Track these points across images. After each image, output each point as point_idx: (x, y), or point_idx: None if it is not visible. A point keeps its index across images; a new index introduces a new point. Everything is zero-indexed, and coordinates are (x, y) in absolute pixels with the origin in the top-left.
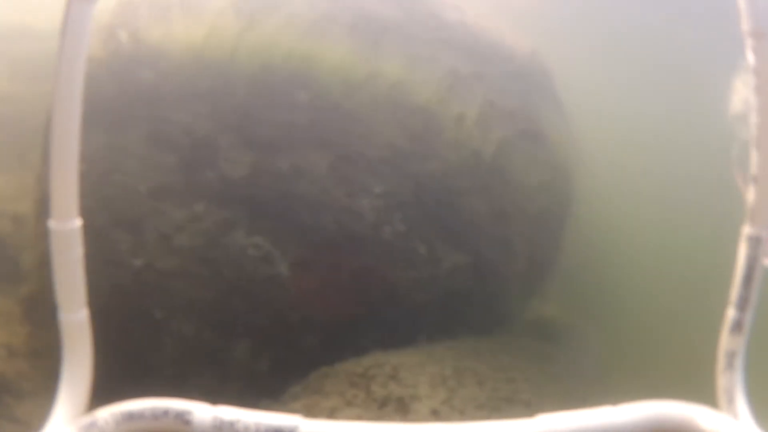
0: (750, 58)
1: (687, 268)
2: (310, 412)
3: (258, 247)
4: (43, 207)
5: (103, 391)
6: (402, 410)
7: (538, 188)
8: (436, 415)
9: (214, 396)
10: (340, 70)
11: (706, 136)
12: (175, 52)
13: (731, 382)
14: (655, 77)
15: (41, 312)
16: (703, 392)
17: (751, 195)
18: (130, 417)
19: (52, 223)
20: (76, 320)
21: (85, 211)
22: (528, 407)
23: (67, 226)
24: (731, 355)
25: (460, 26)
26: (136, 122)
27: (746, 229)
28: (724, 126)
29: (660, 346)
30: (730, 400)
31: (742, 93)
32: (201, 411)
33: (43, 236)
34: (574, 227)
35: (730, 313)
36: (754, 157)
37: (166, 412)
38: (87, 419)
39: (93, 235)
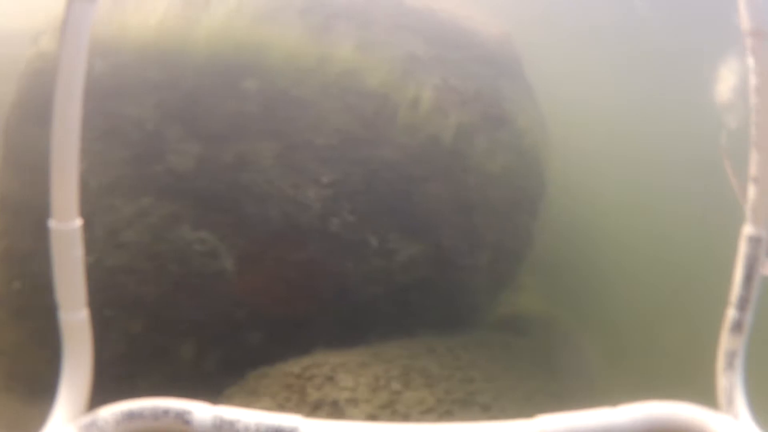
0: (750, 58)
1: (674, 258)
2: None
3: (204, 241)
4: (3, 203)
5: (53, 389)
6: (336, 414)
7: (503, 174)
8: (373, 420)
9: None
10: (291, 56)
11: (689, 122)
12: (127, 45)
13: (731, 382)
14: (637, 64)
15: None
16: (689, 386)
17: (751, 195)
18: (130, 416)
19: (53, 224)
20: (76, 320)
21: (39, 209)
22: (486, 411)
23: (68, 227)
24: (731, 355)
25: (423, 11)
26: (89, 117)
27: (746, 229)
28: (710, 113)
29: (648, 340)
30: (730, 400)
31: (729, 81)
32: (201, 411)
33: (5, 232)
34: (553, 216)
35: (730, 313)
36: (754, 158)
37: (166, 412)
38: (87, 419)
39: (45, 232)
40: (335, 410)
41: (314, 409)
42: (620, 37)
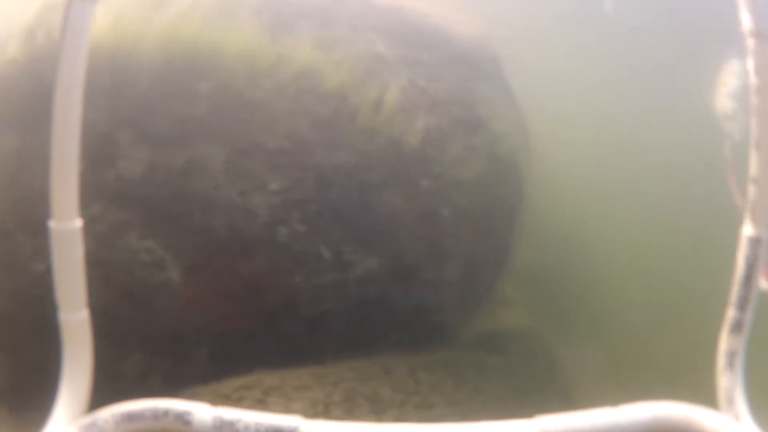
0: (750, 58)
1: (666, 271)
2: None
3: (150, 251)
4: None
5: (3, 398)
6: None
7: (476, 182)
8: None
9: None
10: (246, 56)
11: (680, 126)
12: None
13: (731, 382)
14: (630, 71)
15: None
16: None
17: (750, 195)
18: (131, 417)
19: (53, 224)
20: (76, 320)
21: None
22: None
23: (68, 227)
24: (731, 355)
25: (393, 10)
26: (47, 122)
27: (746, 230)
28: (702, 116)
29: (637, 355)
30: (730, 400)
31: (729, 88)
32: (201, 411)
33: None
34: (540, 226)
35: (730, 313)
36: (753, 158)
37: (166, 413)
38: (87, 419)
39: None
40: None
41: None
42: (608, 40)
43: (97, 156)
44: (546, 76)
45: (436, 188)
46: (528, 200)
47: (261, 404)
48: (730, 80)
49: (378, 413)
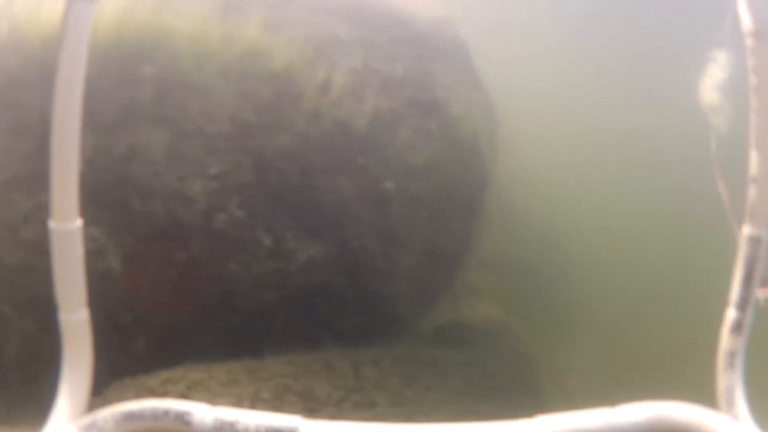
0: (750, 58)
1: (643, 262)
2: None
3: (94, 239)
4: None
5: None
6: None
7: (431, 167)
8: None
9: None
10: (194, 38)
11: (658, 116)
12: (37, 36)
13: (731, 382)
14: (612, 61)
15: None
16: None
17: (750, 195)
18: (131, 417)
19: (53, 224)
20: (76, 320)
21: None
22: None
23: (68, 227)
24: (731, 355)
25: None
26: (7, 113)
27: (746, 229)
28: (691, 112)
29: (612, 349)
30: (730, 400)
31: (716, 80)
32: (201, 411)
33: None
34: (516, 216)
35: (730, 313)
36: (753, 158)
37: (166, 413)
38: (87, 419)
39: None
40: None
41: None
42: (589, 29)
43: (47, 144)
44: (524, 64)
45: (386, 172)
46: (498, 188)
47: (184, 399)
48: (717, 72)
49: (311, 411)
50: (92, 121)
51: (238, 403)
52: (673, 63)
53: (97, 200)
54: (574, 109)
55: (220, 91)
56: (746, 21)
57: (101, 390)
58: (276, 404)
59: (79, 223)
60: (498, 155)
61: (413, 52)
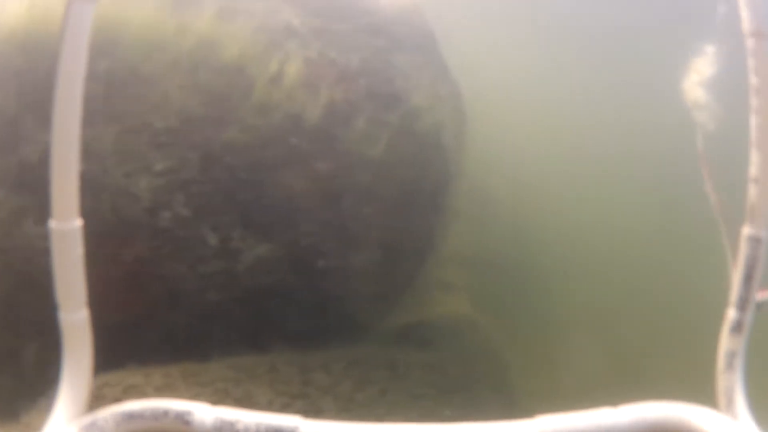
0: (750, 58)
1: (623, 259)
2: None
3: (45, 237)
4: None
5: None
6: None
7: (389, 161)
8: None
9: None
10: (146, 30)
11: (647, 115)
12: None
13: (731, 382)
14: (595, 56)
15: None
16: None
17: (751, 195)
18: (131, 417)
19: (53, 223)
20: (76, 320)
21: None
22: None
23: (68, 226)
24: (731, 356)
25: None
26: None
27: (746, 230)
28: (675, 108)
29: (586, 349)
30: (730, 401)
31: (702, 76)
32: (201, 411)
33: None
34: (490, 212)
35: (730, 313)
36: (754, 158)
37: (166, 413)
38: (87, 419)
39: None
40: None
41: None
42: (570, 21)
43: (3, 141)
44: (500, 55)
45: (341, 167)
46: (469, 183)
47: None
48: (704, 68)
49: None
50: (46, 119)
51: None
52: (657, 57)
53: (47, 198)
54: (551, 102)
55: (169, 83)
56: (746, 21)
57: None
58: None
59: (79, 222)
60: (466, 149)
61: (374, 42)
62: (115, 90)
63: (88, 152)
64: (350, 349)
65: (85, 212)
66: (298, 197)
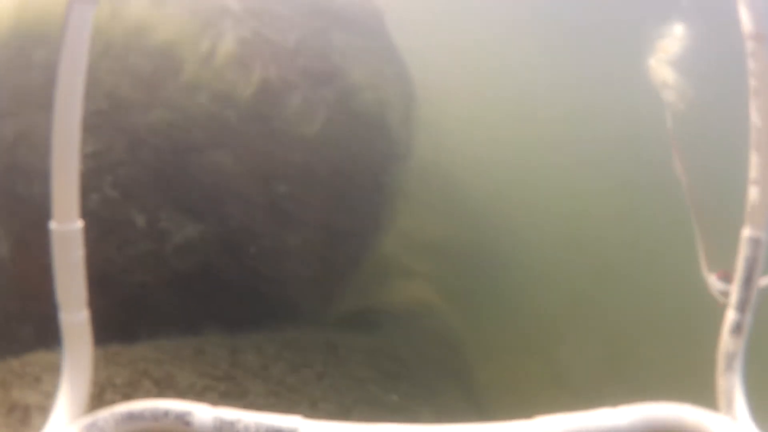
0: (750, 60)
1: (589, 249)
2: None
3: None
4: None
5: None
6: (25, 420)
7: (325, 139)
8: None
9: None
10: None
11: (614, 96)
12: None
13: (730, 383)
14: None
15: None
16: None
17: (751, 197)
18: (131, 417)
19: (54, 225)
20: (76, 320)
21: None
22: None
23: (69, 228)
24: (731, 357)
25: None
26: None
27: (746, 231)
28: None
29: (550, 339)
30: (729, 402)
31: (670, 54)
32: (201, 412)
33: None
34: (457, 199)
35: (730, 314)
36: (753, 160)
37: (166, 413)
38: (87, 419)
39: None
40: (25, 416)
41: (9, 411)
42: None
43: None
44: (458, 37)
45: (273, 145)
46: (424, 165)
47: (36, 382)
48: (671, 46)
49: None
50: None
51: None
52: (620, 35)
53: None
54: (511, 85)
55: (102, 68)
56: (746, 23)
57: None
58: (127, 391)
59: (80, 223)
60: (416, 129)
61: (314, 21)
62: (51, 79)
63: (27, 143)
64: (286, 332)
65: (24, 201)
66: (228, 177)
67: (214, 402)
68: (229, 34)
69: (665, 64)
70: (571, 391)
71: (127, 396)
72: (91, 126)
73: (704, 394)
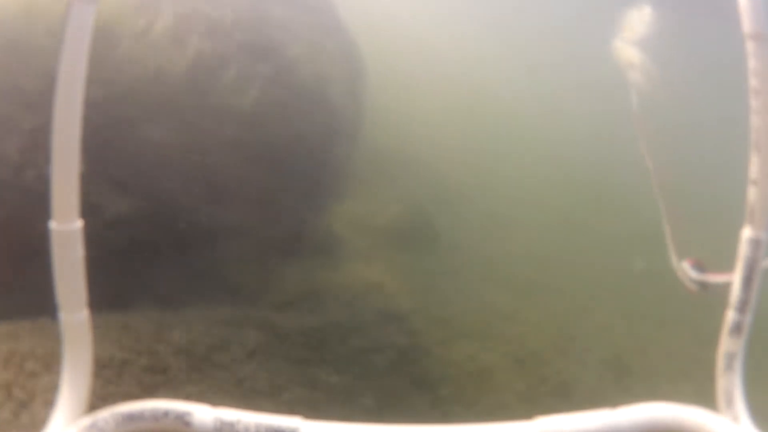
0: (750, 60)
1: (529, 215)
2: None
3: None
4: None
5: None
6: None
7: (260, 113)
8: None
9: None
10: (29, 3)
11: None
12: None
13: (730, 383)
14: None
15: None
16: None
17: (750, 197)
18: (131, 418)
19: (54, 224)
20: (76, 320)
21: None
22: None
23: (68, 227)
24: (731, 357)
25: None
26: None
27: (746, 232)
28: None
29: (507, 321)
30: (729, 402)
31: (635, 34)
32: (201, 412)
33: None
34: (390, 172)
35: (730, 315)
36: (753, 160)
37: (166, 414)
38: (87, 420)
39: None
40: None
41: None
42: None
43: None
44: (415, 14)
45: (207, 120)
46: (375, 142)
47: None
48: (637, 27)
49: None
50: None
51: None
52: (588, 17)
53: None
54: (470, 61)
55: (44, 49)
56: (746, 23)
57: None
58: (49, 361)
59: (79, 223)
60: (364, 105)
61: None
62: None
63: None
64: (219, 310)
65: None
66: (161, 151)
67: (134, 375)
68: (166, 10)
69: (630, 44)
70: (528, 373)
71: (48, 366)
72: (31, 103)
73: None
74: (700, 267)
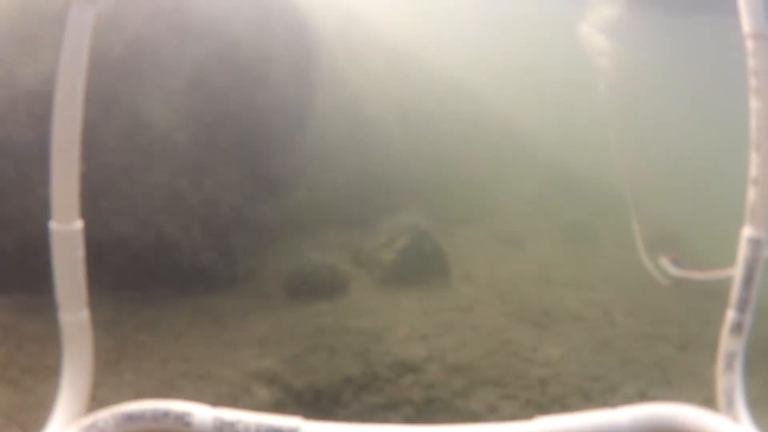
0: (750, 60)
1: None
2: None
3: None
4: None
5: None
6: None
7: (198, 96)
8: None
9: None
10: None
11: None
12: None
13: (731, 383)
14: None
15: None
16: None
17: (751, 197)
18: (131, 418)
19: (54, 225)
20: (76, 320)
21: None
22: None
23: (69, 228)
24: (731, 357)
25: None
26: None
27: (746, 231)
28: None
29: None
30: (730, 402)
31: (601, 19)
32: (201, 412)
33: None
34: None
35: (730, 314)
36: (753, 159)
37: (166, 414)
38: (87, 420)
39: None
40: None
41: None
42: None
43: None
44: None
45: (142, 100)
46: (337, 128)
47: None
48: (603, 11)
49: None
50: None
51: None
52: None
53: None
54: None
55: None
56: (746, 23)
57: None
58: None
59: (80, 224)
60: (314, 88)
61: None
62: None
63: None
64: (151, 293)
65: None
66: (94, 131)
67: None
68: None
69: (596, 31)
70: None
71: None
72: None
73: None
74: (677, 263)
